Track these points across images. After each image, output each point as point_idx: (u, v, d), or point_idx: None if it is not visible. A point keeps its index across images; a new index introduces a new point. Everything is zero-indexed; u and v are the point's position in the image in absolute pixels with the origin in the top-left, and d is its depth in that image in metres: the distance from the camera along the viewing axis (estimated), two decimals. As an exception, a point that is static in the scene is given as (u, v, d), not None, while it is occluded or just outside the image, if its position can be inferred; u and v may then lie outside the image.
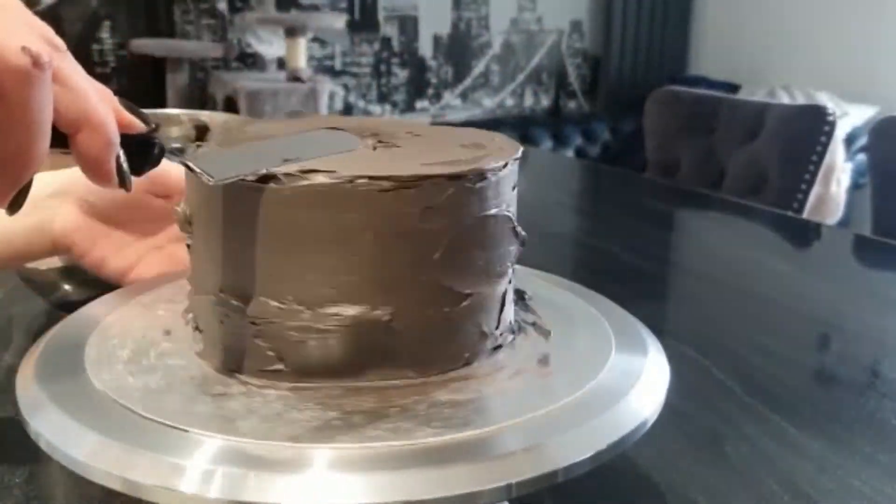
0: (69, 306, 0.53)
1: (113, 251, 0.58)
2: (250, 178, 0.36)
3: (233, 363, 0.39)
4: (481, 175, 0.38)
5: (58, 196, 0.56)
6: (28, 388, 0.38)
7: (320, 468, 0.31)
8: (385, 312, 0.37)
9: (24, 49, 0.28)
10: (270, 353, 0.38)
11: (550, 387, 0.38)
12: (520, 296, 0.46)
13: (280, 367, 0.38)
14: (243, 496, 0.30)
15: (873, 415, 0.57)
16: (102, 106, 0.32)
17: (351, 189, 0.36)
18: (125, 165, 0.34)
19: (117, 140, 0.33)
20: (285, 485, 0.31)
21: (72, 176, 0.56)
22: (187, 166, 0.36)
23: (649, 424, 0.37)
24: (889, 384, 0.63)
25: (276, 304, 0.37)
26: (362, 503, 0.30)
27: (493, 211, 0.39)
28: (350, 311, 0.37)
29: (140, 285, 0.51)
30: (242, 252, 0.37)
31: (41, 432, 0.34)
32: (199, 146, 0.42)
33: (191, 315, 0.43)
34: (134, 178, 0.36)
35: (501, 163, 0.39)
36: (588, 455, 0.33)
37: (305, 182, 0.36)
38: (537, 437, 0.34)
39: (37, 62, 0.28)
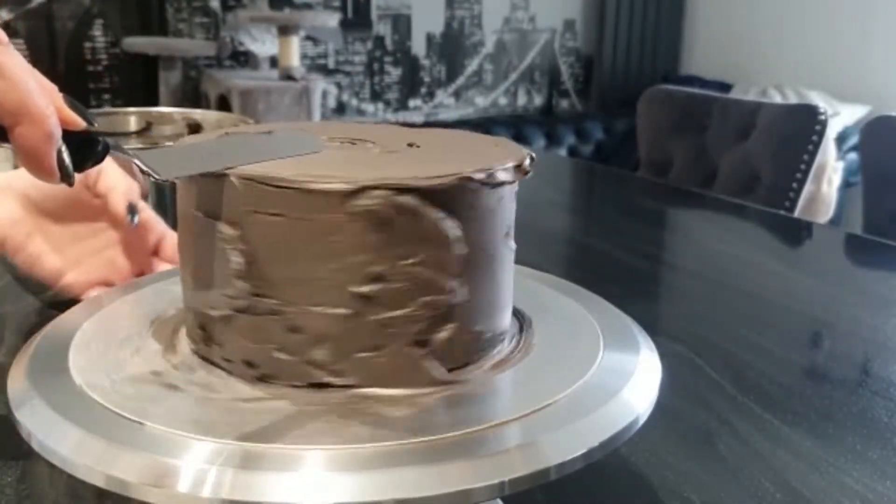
0: (61, 305, 0.53)
1: (49, 249, 0.58)
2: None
3: (226, 363, 0.39)
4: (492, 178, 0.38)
5: None
6: (19, 388, 0.38)
7: (313, 467, 0.31)
8: (374, 313, 0.37)
9: None
10: (259, 354, 0.38)
11: (543, 385, 0.38)
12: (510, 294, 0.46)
13: (269, 366, 0.38)
14: (236, 495, 0.30)
15: (864, 412, 0.57)
16: (42, 100, 0.32)
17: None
18: (67, 160, 0.33)
19: (58, 134, 0.33)
20: (277, 484, 0.30)
21: (15, 170, 0.56)
22: (135, 163, 0.36)
23: (641, 422, 0.37)
24: (880, 382, 0.63)
25: (261, 302, 0.37)
26: (355, 502, 0.30)
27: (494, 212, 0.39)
28: (338, 311, 0.37)
29: (130, 284, 0.51)
30: (220, 250, 0.37)
31: (32, 431, 0.34)
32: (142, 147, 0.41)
33: (177, 313, 0.43)
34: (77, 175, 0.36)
35: (511, 165, 0.39)
36: (580, 453, 0.33)
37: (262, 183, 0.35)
38: (530, 435, 0.34)
39: None
